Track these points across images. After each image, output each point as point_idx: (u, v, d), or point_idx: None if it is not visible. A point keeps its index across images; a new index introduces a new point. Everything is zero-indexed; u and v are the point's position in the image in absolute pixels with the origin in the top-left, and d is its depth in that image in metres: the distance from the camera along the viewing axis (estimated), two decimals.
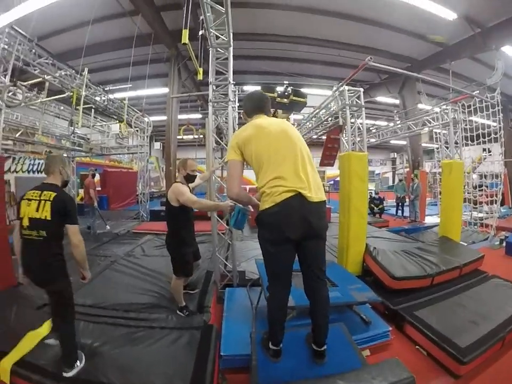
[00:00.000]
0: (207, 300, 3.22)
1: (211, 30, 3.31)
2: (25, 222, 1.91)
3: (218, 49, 3.64)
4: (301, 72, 11.02)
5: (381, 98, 13.49)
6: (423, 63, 10.19)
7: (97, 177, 11.29)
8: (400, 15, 7.61)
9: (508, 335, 2.57)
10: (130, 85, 7.37)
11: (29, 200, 1.94)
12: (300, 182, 1.76)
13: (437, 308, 3.05)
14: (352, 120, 4.53)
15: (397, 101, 12.69)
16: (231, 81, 3.63)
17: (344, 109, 4.43)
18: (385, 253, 4.13)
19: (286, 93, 4.67)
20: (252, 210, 2.22)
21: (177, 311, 2.95)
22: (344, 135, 4.54)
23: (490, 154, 10.20)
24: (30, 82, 5.59)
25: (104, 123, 11.09)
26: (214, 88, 3.71)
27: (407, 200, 9.99)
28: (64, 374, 1.96)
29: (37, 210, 1.90)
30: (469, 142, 6.82)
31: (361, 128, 4.47)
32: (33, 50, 5.06)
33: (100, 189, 8.27)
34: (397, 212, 10.56)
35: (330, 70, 11.26)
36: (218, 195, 4.17)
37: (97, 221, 7.21)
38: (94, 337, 2.41)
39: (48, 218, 1.89)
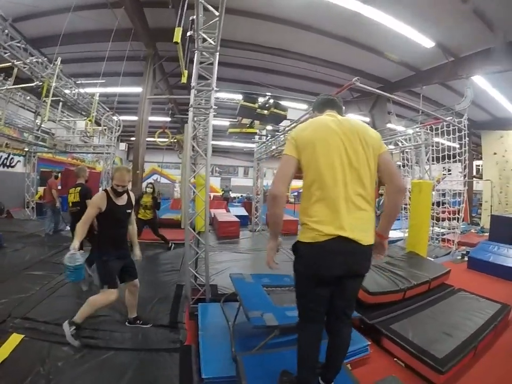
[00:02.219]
0: (179, 316, 3.03)
1: (200, 32, 3.20)
2: (70, 204, 3.98)
3: (203, 53, 3.54)
4: (279, 85, 11.15)
5: (351, 116, 13.93)
6: (395, 85, 10.72)
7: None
8: (379, 38, 7.94)
9: (479, 344, 2.72)
10: (103, 80, 6.96)
11: (70, 193, 3.99)
12: (346, 221, 1.52)
13: (411, 321, 3.13)
14: None
15: (367, 119, 13.22)
16: (215, 88, 3.53)
17: None
18: None
19: (267, 105, 4.63)
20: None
21: (63, 326, 2.43)
22: None
23: (450, 174, 10.92)
24: None
25: (71, 118, 10.44)
26: (196, 93, 3.59)
27: None
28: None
29: (74, 197, 3.93)
30: (435, 162, 7.25)
31: None
32: (6, 31, 4.66)
33: (60, 187, 7.75)
34: None
35: (307, 85, 11.49)
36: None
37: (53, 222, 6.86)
38: (54, 360, 2.13)
39: (78, 200, 3.87)
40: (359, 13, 6.74)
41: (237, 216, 9.46)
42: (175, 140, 9.57)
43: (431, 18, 6.84)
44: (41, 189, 10.06)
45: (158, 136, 7.46)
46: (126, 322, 2.88)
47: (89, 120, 6.60)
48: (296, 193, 26.76)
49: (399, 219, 11.10)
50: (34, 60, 5.40)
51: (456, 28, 7.01)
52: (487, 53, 7.47)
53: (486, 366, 2.62)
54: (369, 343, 2.78)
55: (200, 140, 4.49)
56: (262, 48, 9.15)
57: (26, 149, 9.93)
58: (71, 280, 2.50)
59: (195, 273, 3.75)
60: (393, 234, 9.86)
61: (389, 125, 12.07)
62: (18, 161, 11.03)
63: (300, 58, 9.59)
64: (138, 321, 2.88)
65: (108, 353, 2.30)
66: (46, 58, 5.69)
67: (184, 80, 3.66)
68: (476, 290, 4.07)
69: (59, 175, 8.35)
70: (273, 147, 8.66)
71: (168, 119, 13.28)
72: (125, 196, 2.77)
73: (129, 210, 2.83)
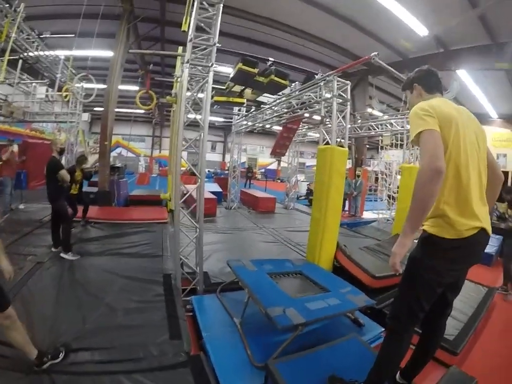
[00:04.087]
0: (179, 312, 2.56)
1: None
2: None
3: (203, 2, 3.01)
4: (260, 56, 10.53)
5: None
6: (380, 68, 10.53)
7: (15, 148, 9.38)
8: (372, 17, 7.66)
9: (478, 325, 2.97)
10: (72, 35, 5.98)
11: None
12: (485, 212, 1.44)
13: None
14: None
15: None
16: (216, 43, 3.05)
17: (329, 100, 4.23)
18: (357, 251, 4.10)
19: (267, 71, 4.16)
20: None
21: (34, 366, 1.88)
22: (323, 127, 4.38)
23: None
24: None
25: (29, 81, 9.12)
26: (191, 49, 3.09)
27: None
28: (62, 255, 3.69)
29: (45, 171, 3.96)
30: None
31: (343, 123, 4.36)
32: None
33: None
34: None
35: (290, 59, 10.92)
36: None
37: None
38: None
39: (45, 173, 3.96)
40: None
41: (211, 192, 8.90)
42: (165, 102, 8.54)
43: (431, 6, 6.65)
44: None
45: (139, 98, 6.54)
46: (34, 367, 1.90)
47: (66, 90, 5.69)
48: (263, 170, 26.64)
49: (371, 200, 11.41)
50: None
51: (453, 20, 6.86)
52: (479, 50, 7.59)
53: (485, 343, 2.86)
54: (383, 329, 2.68)
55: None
56: (248, 14, 8.45)
57: None
58: None
59: (185, 260, 3.34)
60: (367, 215, 10.12)
61: (369, 110, 12.01)
62: None
63: (286, 30, 9.04)
64: (45, 358, 1.95)
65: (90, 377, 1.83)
66: (7, 4, 4.76)
67: (184, 27, 3.10)
68: None
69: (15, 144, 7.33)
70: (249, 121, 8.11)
71: (137, 88, 12.28)
72: None
73: None
